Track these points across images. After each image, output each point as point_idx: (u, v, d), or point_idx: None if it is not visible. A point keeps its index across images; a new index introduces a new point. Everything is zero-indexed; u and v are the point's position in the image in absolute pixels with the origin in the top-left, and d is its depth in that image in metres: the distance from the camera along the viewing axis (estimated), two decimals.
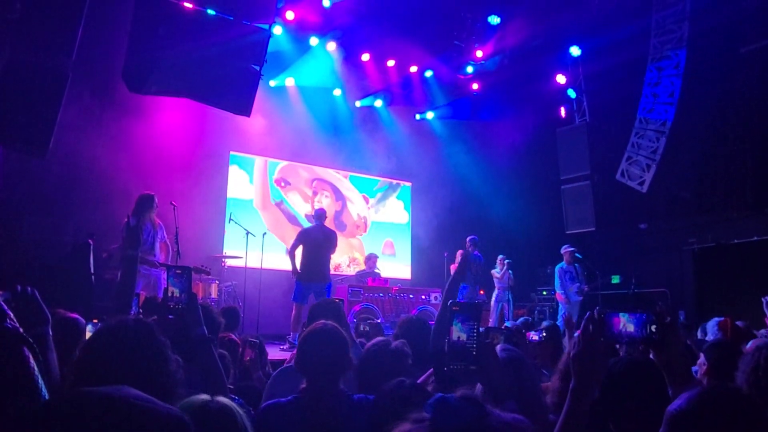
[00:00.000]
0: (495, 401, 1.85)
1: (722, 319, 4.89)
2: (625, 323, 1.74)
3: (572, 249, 10.57)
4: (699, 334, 5.46)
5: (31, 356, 1.42)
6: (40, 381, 1.40)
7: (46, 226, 8.32)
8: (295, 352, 2.76)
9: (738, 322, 4.64)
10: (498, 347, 2.65)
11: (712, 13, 10.65)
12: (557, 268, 10.59)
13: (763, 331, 4.38)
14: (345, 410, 2.45)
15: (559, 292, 10.48)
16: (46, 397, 1.39)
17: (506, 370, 2.33)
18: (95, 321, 2.88)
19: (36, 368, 1.41)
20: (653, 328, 1.73)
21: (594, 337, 1.70)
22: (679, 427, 1.44)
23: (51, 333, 2.09)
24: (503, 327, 6.12)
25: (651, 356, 1.99)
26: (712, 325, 4.94)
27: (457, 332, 1.88)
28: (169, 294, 2.53)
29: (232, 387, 3.03)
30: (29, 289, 2.07)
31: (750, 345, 4.46)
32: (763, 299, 4.26)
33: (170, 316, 2.52)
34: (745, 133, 10.72)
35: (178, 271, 2.58)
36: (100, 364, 1.65)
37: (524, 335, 4.78)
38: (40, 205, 8.52)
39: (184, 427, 1.00)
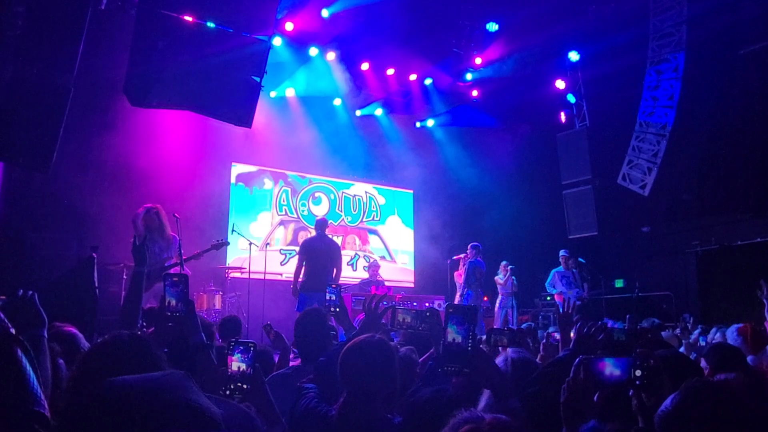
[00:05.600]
0: (498, 400, 1.87)
1: (741, 325, 4.90)
2: (611, 368, 1.75)
3: (567, 255, 10.62)
4: (717, 339, 5.41)
5: (24, 357, 1.43)
6: (34, 381, 1.41)
7: (49, 240, 8.33)
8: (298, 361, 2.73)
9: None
10: (509, 349, 2.71)
11: (710, 15, 10.66)
12: (553, 271, 10.63)
13: None
14: None
15: (555, 292, 10.53)
16: (41, 397, 1.39)
17: (517, 371, 2.38)
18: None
19: (29, 369, 1.42)
20: (637, 372, 1.75)
21: (582, 384, 1.71)
22: (667, 427, 1.46)
23: (47, 336, 2.10)
24: (506, 328, 6.18)
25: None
26: (731, 331, 4.96)
27: (453, 334, 1.90)
28: (167, 303, 2.51)
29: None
30: (29, 292, 2.09)
31: None
32: (765, 301, 4.24)
33: (169, 324, 2.51)
34: (745, 134, 10.69)
35: (174, 279, 2.54)
36: (97, 379, 1.66)
37: (524, 335, 4.89)
38: (43, 219, 8.54)
39: (215, 426, 1.03)
